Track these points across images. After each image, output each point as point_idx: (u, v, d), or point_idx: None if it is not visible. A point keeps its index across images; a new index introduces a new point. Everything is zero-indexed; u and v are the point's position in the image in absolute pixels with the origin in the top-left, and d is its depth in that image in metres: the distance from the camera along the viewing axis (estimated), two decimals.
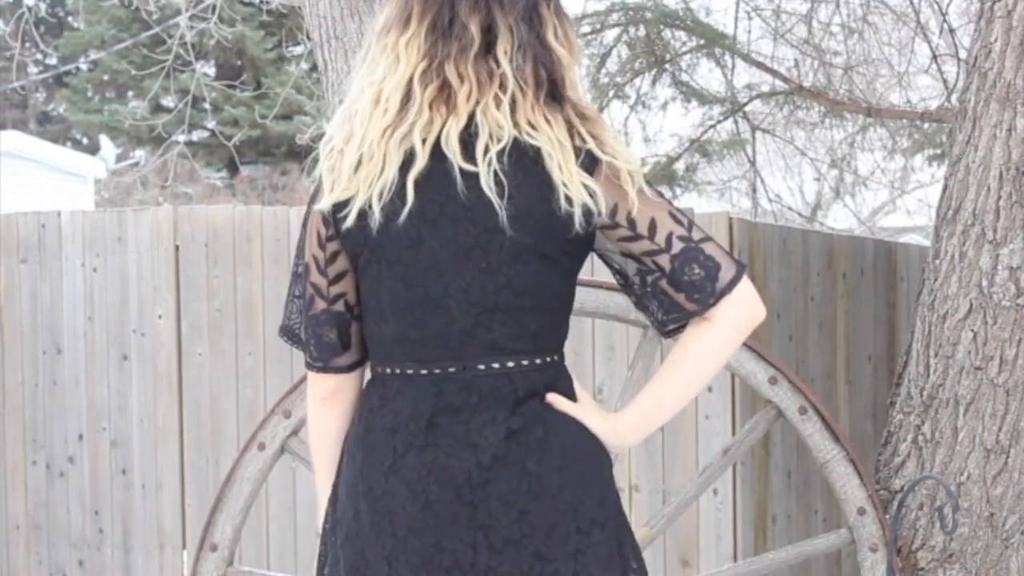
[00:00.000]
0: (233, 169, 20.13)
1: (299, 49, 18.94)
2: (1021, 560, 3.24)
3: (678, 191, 8.35)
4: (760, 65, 7.88)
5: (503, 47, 2.19)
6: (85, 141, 22.05)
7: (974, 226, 3.20)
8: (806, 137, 10.26)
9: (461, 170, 2.16)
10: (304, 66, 17.46)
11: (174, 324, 5.84)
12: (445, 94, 2.19)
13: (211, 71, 20.58)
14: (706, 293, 2.18)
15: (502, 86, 2.18)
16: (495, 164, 2.15)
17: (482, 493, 2.15)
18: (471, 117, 2.18)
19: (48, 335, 6.00)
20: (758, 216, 9.08)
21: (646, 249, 2.19)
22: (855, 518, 3.13)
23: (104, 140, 19.62)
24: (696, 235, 2.20)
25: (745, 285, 2.20)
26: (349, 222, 2.19)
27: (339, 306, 2.27)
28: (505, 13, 2.21)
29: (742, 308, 2.19)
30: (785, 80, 7.83)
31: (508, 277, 2.18)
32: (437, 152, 2.17)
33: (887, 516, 3.17)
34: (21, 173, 14.45)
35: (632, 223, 2.19)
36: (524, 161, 2.17)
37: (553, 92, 2.21)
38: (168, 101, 18.22)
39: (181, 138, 15.67)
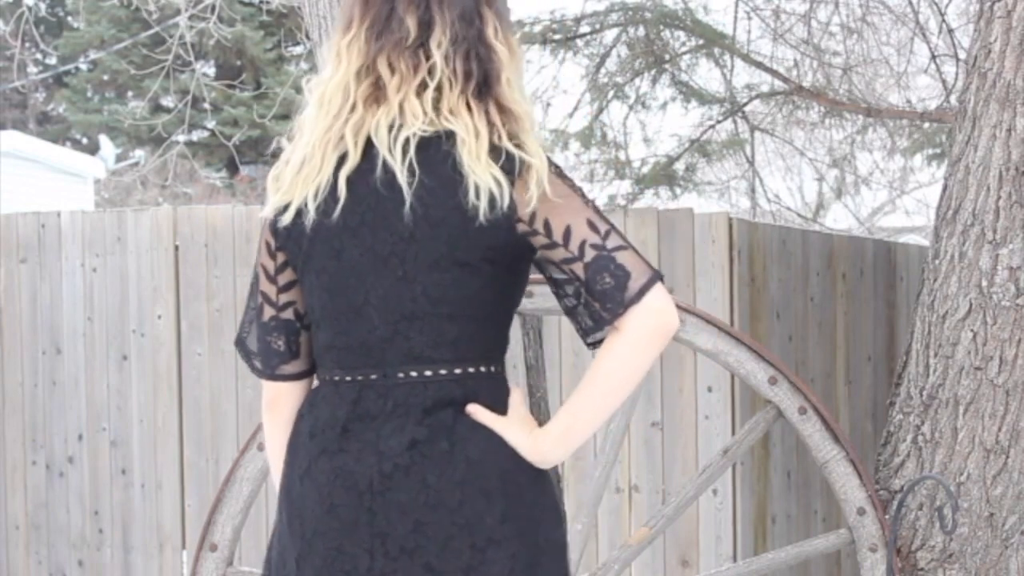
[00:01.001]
0: (233, 169, 20.13)
1: (299, 49, 18.96)
2: (1021, 560, 3.24)
3: (678, 191, 8.35)
4: (759, 65, 7.88)
5: (436, 39, 2.21)
6: (85, 141, 22.04)
7: (974, 226, 3.20)
8: (805, 137, 10.26)
9: (384, 164, 2.18)
10: (304, 66, 17.45)
11: (174, 324, 5.84)
12: (378, 89, 2.22)
13: (211, 71, 20.58)
14: (615, 303, 2.15)
15: (430, 74, 2.20)
16: (411, 155, 2.16)
17: (381, 500, 2.16)
18: (399, 106, 2.20)
19: (48, 335, 6.01)
20: (757, 216, 9.08)
21: (563, 257, 2.18)
22: (855, 518, 3.13)
23: (104, 140, 19.62)
24: (611, 243, 2.17)
25: (656, 294, 2.15)
26: (285, 222, 2.23)
27: (288, 314, 2.31)
28: (443, 10, 2.23)
29: (652, 317, 2.14)
30: (784, 80, 7.83)
31: (424, 285, 2.18)
32: (368, 148, 2.20)
33: (887, 516, 3.17)
34: (21, 173, 14.45)
35: (548, 230, 2.18)
36: (437, 157, 2.17)
37: (482, 87, 2.21)
38: (168, 101, 18.22)
39: (181, 138, 15.67)
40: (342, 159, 2.20)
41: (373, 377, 2.20)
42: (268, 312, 2.31)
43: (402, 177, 2.16)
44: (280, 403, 2.33)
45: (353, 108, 2.21)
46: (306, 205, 2.20)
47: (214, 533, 3.18)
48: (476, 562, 2.16)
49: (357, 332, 2.21)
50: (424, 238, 2.16)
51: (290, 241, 2.25)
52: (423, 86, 2.19)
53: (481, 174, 2.15)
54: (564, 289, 2.22)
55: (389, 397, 2.19)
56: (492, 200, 2.15)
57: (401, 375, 2.19)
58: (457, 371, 2.20)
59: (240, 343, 2.37)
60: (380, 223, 2.18)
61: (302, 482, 2.22)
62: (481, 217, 2.14)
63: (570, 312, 2.23)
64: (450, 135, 2.18)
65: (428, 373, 2.19)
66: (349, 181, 2.19)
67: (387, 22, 2.23)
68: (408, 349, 2.19)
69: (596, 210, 2.22)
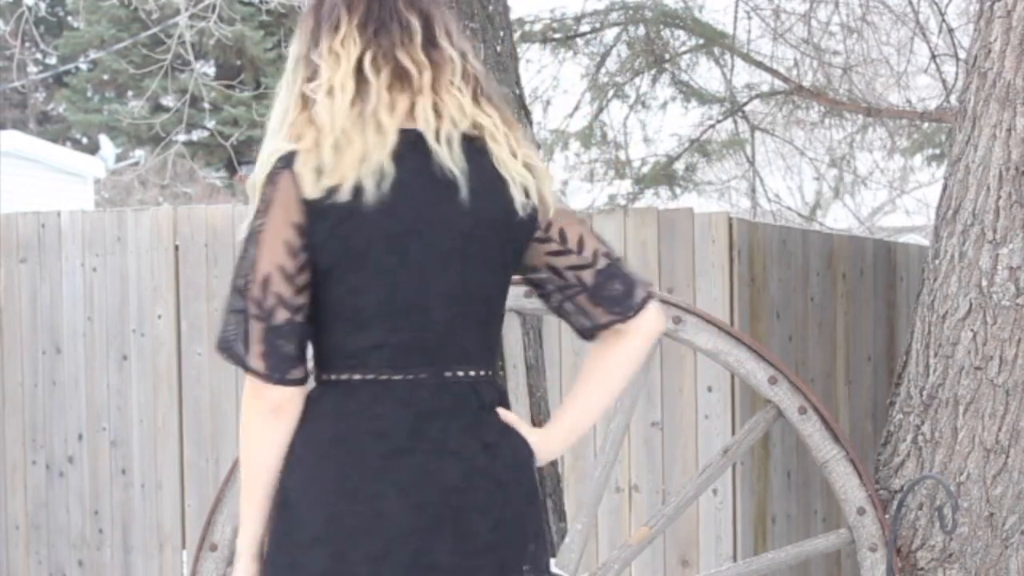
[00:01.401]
0: (233, 169, 20.13)
1: None
2: (1021, 560, 3.24)
3: (678, 191, 8.35)
4: (759, 65, 7.88)
5: (444, 40, 2.26)
6: (85, 141, 22.04)
7: (974, 226, 3.20)
8: (805, 137, 10.25)
9: (437, 160, 2.21)
10: None
11: (174, 324, 5.84)
12: (401, 78, 2.23)
13: (211, 71, 20.59)
14: (625, 306, 2.31)
15: (453, 71, 2.25)
16: (461, 151, 2.22)
17: (465, 500, 2.21)
18: (435, 99, 2.23)
19: (48, 335, 6.01)
20: (758, 216, 9.08)
21: (572, 263, 2.31)
22: (855, 518, 3.13)
23: (104, 140, 19.60)
24: (615, 254, 2.35)
25: (656, 301, 2.37)
26: (334, 216, 2.17)
27: (300, 316, 2.22)
28: (439, 13, 2.29)
29: (655, 321, 2.35)
30: (785, 80, 7.83)
31: (477, 285, 2.25)
32: (411, 140, 2.21)
33: (887, 516, 3.17)
34: (21, 173, 14.44)
35: (564, 238, 2.30)
36: (476, 153, 2.24)
37: (485, 92, 2.30)
38: (168, 101, 18.22)
39: (181, 138, 15.67)
40: (387, 146, 2.19)
41: (423, 376, 2.22)
42: (282, 315, 2.20)
43: (459, 175, 2.21)
44: (288, 408, 2.24)
45: (378, 94, 2.20)
46: (360, 192, 2.17)
47: (214, 533, 3.18)
48: (531, 557, 2.27)
49: (413, 330, 2.21)
50: (480, 237, 2.23)
51: (332, 239, 2.19)
52: (451, 82, 2.24)
53: (519, 170, 2.25)
54: (552, 292, 2.35)
55: (444, 395, 2.23)
56: (527, 195, 2.25)
57: (449, 374, 2.24)
58: (490, 372, 2.29)
59: (227, 347, 2.25)
60: (439, 221, 2.21)
61: (377, 482, 2.19)
62: (521, 212, 2.24)
63: (557, 309, 2.36)
64: (480, 132, 2.24)
65: (472, 373, 2.26)
66: (404, 174, 2.19)
67: (382, 19, 2.24)
68: (461, 348, 2.24)
69: (584, 220, 2.40)
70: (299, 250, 2.19)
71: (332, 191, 2.17)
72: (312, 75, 2.25)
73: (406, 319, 2.21)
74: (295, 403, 2.25)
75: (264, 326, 2.21)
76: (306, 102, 2.25)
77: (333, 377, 2.25)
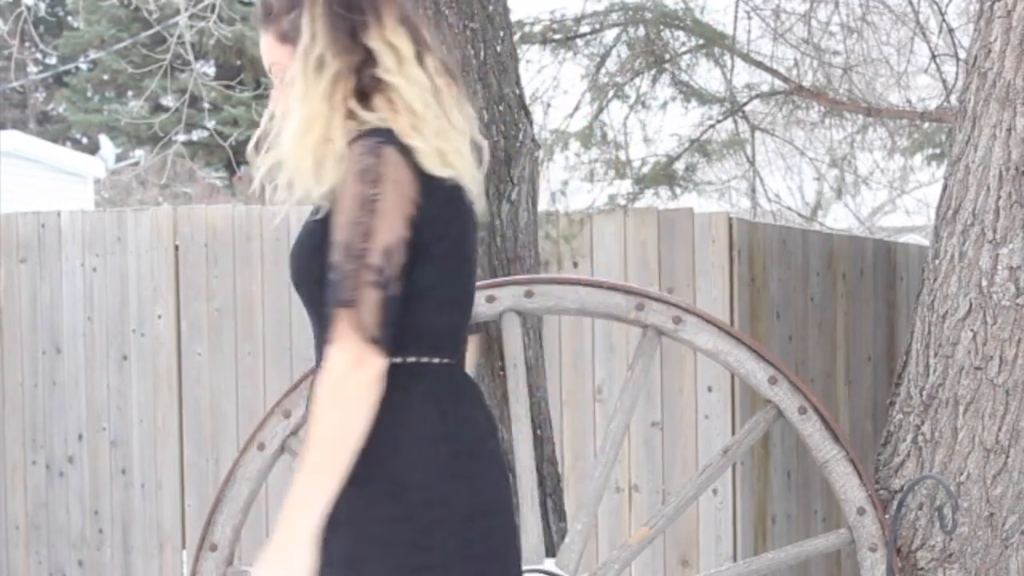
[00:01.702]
0: (232, 169, 20.11)
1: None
2: (1021, 560, 3.24)
3: (678, 191, 8.34)
4: (759, 65, 7.88)
5: (440, 52, 2.37)
6: (85, 141, 22.04)
7: (974, 226, 3.20)
8: (806, 137, 10.25)
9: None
10: None
11: (174, 324, 5.84)
12: (448, 85, 2.34)
13: (210, 71, 20.58)
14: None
15: (460, 83, 2.39)
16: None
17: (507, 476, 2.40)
18: (461, 108, 2.37)
19: (48, 335, 6.01)
20: (758, 216, 9.07)
21: None
22: (855, 518, 3.13)
23: (104, 140, 19.61)
24: None
25: None
26: (451, 191, 2.27)
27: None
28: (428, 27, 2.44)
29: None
30: (785, 80, 7.83)
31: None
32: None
33: (887, 516, 3.17)
34: (21, 173, 14.44)
35: None
36: None
37: None
38: (167, 101, 18.22)
39: (180, 138, 15.66)
40: (462, 144, 2.33)
41: (461, 362, 2.39)
42: (398, 286, 2.20)
43: (481, 184, 2.37)
44: (384, 379, 2.20)
45: (449, 100, 2.32)
46: (463, 180, 2.30)
47: (214, 533, 3.18)
48: None
49: (462, 320, 2.35)
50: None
51: (438, 219, 2.26)
52: (462, 94, 2.38)
53: (481, 184, 2.41)
54: None
55: (475, 381, 2.43)
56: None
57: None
58: None
59: (350, 307, 2.17)
60: (474, 224, 2.37)
61: (480, 463, 2.32)
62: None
63: None
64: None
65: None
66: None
67: (409, 21, 2.32)
68: (464, 336, 2.40)
69: None
70: (413, 224, 2.22)
71: (451, 173, 2.27)
72: (365, 57, 2.27)
73: (462, 309, 2.35)
74: (385, 375, 2.22)
75: (383, 295, 2.18)
76: (379, 84, 2.26)
77: (412, 360, 2.28)
